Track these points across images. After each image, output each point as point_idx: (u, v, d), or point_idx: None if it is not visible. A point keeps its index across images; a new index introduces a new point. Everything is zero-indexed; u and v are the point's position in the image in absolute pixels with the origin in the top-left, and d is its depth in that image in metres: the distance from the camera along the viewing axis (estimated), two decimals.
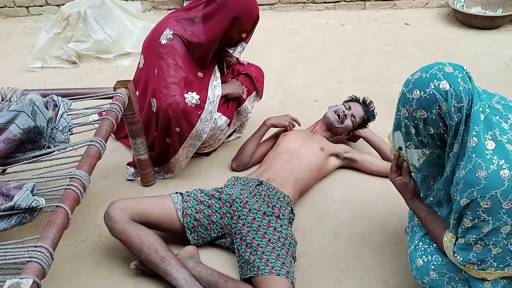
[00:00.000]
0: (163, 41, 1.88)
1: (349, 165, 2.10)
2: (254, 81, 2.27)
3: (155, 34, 1.92)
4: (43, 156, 1.56)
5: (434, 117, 1.18)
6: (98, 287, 1.62)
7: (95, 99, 1.77)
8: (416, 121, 1.22)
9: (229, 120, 2.08)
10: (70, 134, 1.64)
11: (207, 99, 1.90)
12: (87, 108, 1.72)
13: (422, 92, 1.18)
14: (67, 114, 1.68)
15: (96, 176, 2.16)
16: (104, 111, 1.67)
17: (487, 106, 1.19)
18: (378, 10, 3.92)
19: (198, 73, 1.97)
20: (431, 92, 1.16)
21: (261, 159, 2.09)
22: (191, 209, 1.67)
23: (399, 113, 1.28)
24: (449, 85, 1.14)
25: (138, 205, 1.63)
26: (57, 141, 1.61)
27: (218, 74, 2.06)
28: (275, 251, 1.51)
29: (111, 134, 2.42)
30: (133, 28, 3.31)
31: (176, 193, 1.73)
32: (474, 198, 1.11)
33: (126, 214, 1.59)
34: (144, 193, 2.05)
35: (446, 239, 1.28)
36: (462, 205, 1.15)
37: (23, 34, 3.75)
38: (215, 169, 2.19)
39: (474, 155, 1.11)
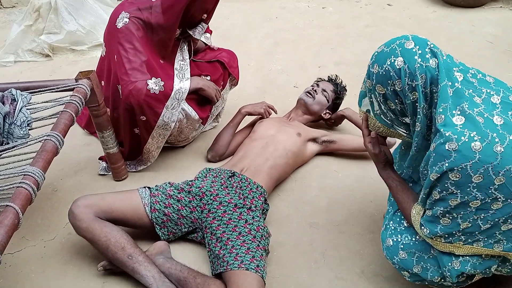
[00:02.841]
0: (119, 25, 1.79)
1: (328, 149, 2.04)
2: (227, 67, 2.19)
3: (112, 19, 1.83)
4: (1, 153, 1.50)
5: (390, 94, 1.16)
6: (66, 287, 1.57)
7: (57, 91, 1.69)
8: (377, 96, 1.21)
9: (200, 120, 2.01)
10: (30, 129, 1.57)
11: (174, 86, 1.82)
12: (47, 102, 1.64)
13: (379, 68, 1.16)
14: (27, 108, 1.61)
15: (67, 172, 2.10)
16: (64, 104, 1.59)
17: (459, 80, 1.13)
18: None
19: (160, 60, 1.88)
20: (386, 69, 1.14)
21: (237, 149, 2.03)
22: (160, 204, 1.61)
23: (365, 84, 1.26)
24: (404, 62, 1.11)
25: (103, 201, 1.56)
26: (16, 137, 1.53)
27: (186, 63, 1.96)
28: (245, 245, 1.46)
29: (84, 128, 2.38)
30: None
31: (144, 187, 1.66)
32: (444, 171, 1.07)
33: (91, 211, 1.53)
34: (117, 188, 1.99)
35: (414, 212, 1.25)
36: (432, 179, 1.11)
37: None
38: (190, 160, 2.12)
39: (442, 129, 1.06)
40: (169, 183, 1.71)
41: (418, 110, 1.13)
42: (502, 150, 1.01)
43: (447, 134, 1.04)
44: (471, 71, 1.20)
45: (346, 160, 2.05)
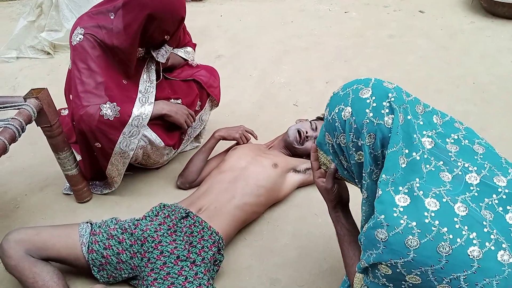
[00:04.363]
0: (74, 42, 1.62)
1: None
2: (204, 87, 1.98)
3: (70, 34, 1.66)
4: None
5: (336, 147, 0.96)
6: None
7: (4, 110, 1.55)
8: (327, 143, 1.01)
9: (167, 146, 1.81)
10: None
11: (132, 112, 1.63)
12: None
13: (328, 114, 0.96)
14: None
15: (33, 187, 1.98)
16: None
17: (424, 148, 0.87)
18: None
19: (123, 80, 1.70)
20: (333, 117, 0.94)
21: None
22: (99, 244, 1.44)
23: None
24: (351, 113, 0.88)
25: (37, 237, 1.42)
26: None
27: (153, 85, 1.76)
28: None
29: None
30: None
31: (87, 222, 1.50)
32: (371, 262, 0.84)
33: (22, 247, 1.38)
34: (78, 210, 1.85)
35: (356, 279, 1.02)
36: (362, 266, 0.88)
37: (9, 20, 3.61)
38: (161, 185, 1.94)
39: (376, 208, 0.81)
40: (115, 219, 1.54)
41: (364, 174, 0.88)
42: (450, 252, 0.76)
43: (378, 218, 0.79)
44: (459, 134, 0.92)
45: None
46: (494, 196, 0.82)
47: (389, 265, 0.80)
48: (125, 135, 1.62)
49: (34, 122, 1.56)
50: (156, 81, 1.79)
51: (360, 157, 0.88)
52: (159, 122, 1.77)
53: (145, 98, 1.71)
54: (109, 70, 1.64)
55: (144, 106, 1.69)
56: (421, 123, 0.88)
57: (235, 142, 1.91)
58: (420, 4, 3.30)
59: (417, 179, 0.81)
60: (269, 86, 2.57)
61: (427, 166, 0.83)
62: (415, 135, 0.85)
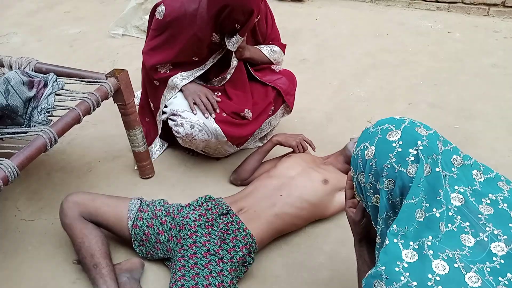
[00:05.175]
0: (157, 15, 1.82)
1: None
2: (282, 95, 2.00)
3: (153, 7, 1.88)
4: (20, 134, 1.58)
5: (355, 184, 0.93)
6: (42, 275, 1.60)
7: (86, 83, 1.73)
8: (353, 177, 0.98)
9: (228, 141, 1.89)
10: (51, 117, 1.63)
11: (173, 77, 1.88)
12: (74, 92, 1.68)
13: (355, 149, 0.92)
14: (56, 95, 1.68)
15: (107, 156, 2.18)
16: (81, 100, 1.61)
17: (451, 205, 0.80)
18: (505, 19, 3.14)
19: (193, 57, 1.85)
20: (357, 154, 0.90)
21: None
22: (143, 221, 1.55)
23: None
24: (374, 154, 0.84)
25: (92, 203, 1.56)
26: (34, 122, 1.61)
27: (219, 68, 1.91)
28: None
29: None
30: None
31: (138, 199, 1.62)
32: None
33: (77, 209, 1.54)
34: (139, 185, 2.00)
35: None
36: None
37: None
38: (216, 176, 2.01)
39: (379, 257, 0.77)
40: (163, 201, 1.63)
41: (379, 219, 0.83)
42: None
43: (379, 269, 0.74)
44: (499, 195, 0.83)
45: None
46: None
47: None
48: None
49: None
50: (226, 71, 1.90)
51: (377, 200, 0.84)
52: (227, 118, 1.85)
53: (193, 74, 1.88)
54: (182, 44, 1.80)
55: (185, 80, 1.88)
56: (455, 176, 0.81)
57: (291, 149, 1.91)
58: None
59: (430, 237, 0.75)
60: (346, 98, 2.51)
61: (449, 225, 0.76)
62: (440, 190, 0.78)
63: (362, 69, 2.74)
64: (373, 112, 2.38)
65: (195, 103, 1.83)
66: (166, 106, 1.90)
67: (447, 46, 2.91)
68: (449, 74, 2.64)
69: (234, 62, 1.89)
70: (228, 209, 1.58)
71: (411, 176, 0.79)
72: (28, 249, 1.71)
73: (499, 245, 0.75)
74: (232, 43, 1.76)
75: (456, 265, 0.72)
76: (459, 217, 0.78)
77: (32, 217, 1.84)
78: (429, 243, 0.74)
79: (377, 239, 0.86)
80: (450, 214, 0.77)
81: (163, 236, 1.53)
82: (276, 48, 2.07)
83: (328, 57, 2.87)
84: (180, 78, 1.87)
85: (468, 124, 2.25)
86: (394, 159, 0.81)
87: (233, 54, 1.86)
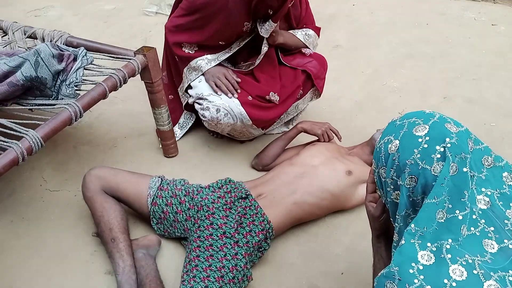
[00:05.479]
0: None
1: None
2: (313, 78, 1.94)
3: None
4: (48, 106, 1.61)
5: (377, 178, 0.89)
6: (62, 245, 1.64)
7: (114, 59, 1.74)
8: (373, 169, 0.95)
9: (249, 120, 1.84)
10: (78, 91, 1.65)
11: (197, 59, 1.84)
12: (102, 67, 1.69)
13: (378, 141, 0.88)
14: (85, 69, 1.69)
15: (132, 133, 2.20)
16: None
17: (476, 208, 0.75)
18: None
19: (220, 42, 1.81)
20: (380, 147, 0.86)
21: None
22: (162, 200, 1.55)
23: None
24: (398, 149, 0.79)
25: (114, 177, 1.58)
26: (62, 95, 1.64)
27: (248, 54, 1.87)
28: (205, 281, 1.31)
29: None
30: None
31: (159, 177, 1.62)
32: None
33: (99, 183, 1.56)
34: (162, 163, 2.01)
35: None
36: None
37: None
38: (238, 160, 1.99)
39: (394, 257, 0.73)
40: (183, 180, 1.63)
41: (397, 216, 0.79)
42: None
43: (393, 269, 0.71)
44: None
45: None
46: None
47: None
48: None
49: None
50: (255, 56, 1.86)
51: (397, 196, 0.80)
52: (253, 101, 1.82)
53: (216, 58, 1.85)
54: (212, 30, 1.77)
55: (210, 63, 1.84)
56: (483, 177, 0.75)
57: (316, 138, 1.87)
58: None
59: (450, 240, 0.70)
60: (378, 88, 2.43)
61: (472, 228, 0.71)
62: (466, 191, 0.73)
63: (397, 59, 2.64)
64: (405, 104, 2.29)
65: (216, 85, 1.81)
66: (190, 87, 1.88)
67: (490, 39, 2.76)
68: (490, 69, 2.50)
69: (264, 48, 1.85)
70: (247, 193, 1.56)
71: (435, 174, 0.74)
72: (51, 219, 1.76)
73: None
74: (265, 29, 1.72)
75: (475, 272, 0.68)
76: (483, 220, 0.73)
77: (56, 187, 1.89)
78: (448, 246, 0.70)
79: (394, 237, 0.82)
80: (474, 217, 0.72)
81: (181, 216, 1.53)
82: (311, 32, 2.02)
83: (363, 44, 2.78)
84: (206, 61, 1.84)
85: (505, 122, 2.14)
86: (418, 155, 0.76)
87: (265, 39, 1.82)
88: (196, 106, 1.86)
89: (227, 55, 1.87)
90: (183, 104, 2.01)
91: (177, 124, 2.11)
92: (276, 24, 1.72)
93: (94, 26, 3.16)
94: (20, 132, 1.37)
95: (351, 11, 3.17)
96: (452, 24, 2.93)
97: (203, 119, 1.84)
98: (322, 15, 3.05)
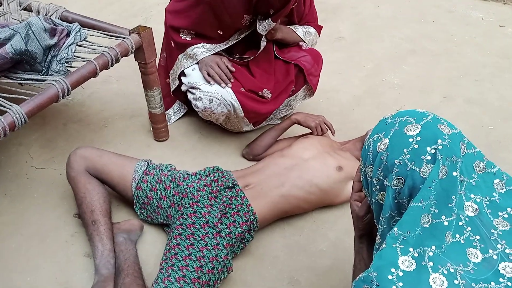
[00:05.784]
0: None
1: None
2: (305, 74, 1.89)
3: None
4: (37, 82, 1.56)
5: (362, 177, 0.86)
6: (43, 223, 1.61)
7: (109, 38, 1.68)
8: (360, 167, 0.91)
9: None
10: (69, 67, 1.60)
11: (195, 47, 1.77)
12: (100, 46, 1.63)
13: (367, 139, 0.84)
14: (78, 45, 1.64)
15: (124, 113, 2.16)
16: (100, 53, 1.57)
17: (463, 214, 0.71)
18: None
19: (218, 31, 1.75)
20: (369, 145, 0.82)
21: None
22: (147, 185, 1.52)
23: None
24: (387, 148, 0.75)
25: (99, 158, 1.55)
26: (52, 70, 1.59)
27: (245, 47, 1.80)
28: (183, 270, 1.28)
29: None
30: None
31: (145, 161, 1.59)
32: None
33: (84, 163, 1.53)
34: (152, 146, 1.97)
35: None
36: None
37: None
38: (230, 149, 1.96)
39: (374, 264, 0.70)
40: (170, 166, 1.60)
41: (381, 218, 0.76)
42: None
43: (371, 274, 0.68)
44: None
45: None
46: None
47: None
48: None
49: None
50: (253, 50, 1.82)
51: (382, 197, 0.76)
52: (250, 94, 1.78)
53: (212, 49, 1.79)
54: (210, 20, 1.72)
55: (206, 53, 1.78)
56: (474, 183, 0.71)
57: (309, 130, 1.82)
58: None
59: (433, 247, 0.67)
60: (378, 83, 2.38)
61: (457, 235, 0.68)
62: (454, 196, 0.69)
63: (400, 55, 2.58)
64: (404, 101, 2.25)
65: (209, 75, 1.76)
66: (184, 75, 1.83)
67: (496, 40, 2.70)
68: (494, 71, 2.45)
69: (263, 43, 1.80)
70: (234, 183, 1.53)
71: (424, 177, 0.70)
72: (34, 196, 1.73)
73: (508, 266, 0.66)
74: (263, 27, 1.68)
75: (456, 282, 0.64)
76: (469, 228, 0.69)
77: (42, 165, 1.85)
78: (430, 253, 0.67)
79: (376, 239, 0.79)
80: (460, 224, 0.69)
81: (165, 202, 1.50)
82: (312, 29, 1.96)
83: (366, 38, 2.72)
84: (202, 50, 1.78)
85: (504, 125, 2.09)
86: (408, 156, 0.72)
87: (264, 34, 1.77)
88: (189, 95, 1.81)
89: (224, 47, 1.82)
90: (171, 90, 1.96)
91: (171, 108, 2.07)
92: (274, 24, 1.67)
93: (95, 2, 3.09)
94: (4, 107, 1.33)
95: (357, 3, 3.10)
96: (458, 22, 2.86)
97: (196, 109, 1.80)
98: (326, 5, 2.99)
